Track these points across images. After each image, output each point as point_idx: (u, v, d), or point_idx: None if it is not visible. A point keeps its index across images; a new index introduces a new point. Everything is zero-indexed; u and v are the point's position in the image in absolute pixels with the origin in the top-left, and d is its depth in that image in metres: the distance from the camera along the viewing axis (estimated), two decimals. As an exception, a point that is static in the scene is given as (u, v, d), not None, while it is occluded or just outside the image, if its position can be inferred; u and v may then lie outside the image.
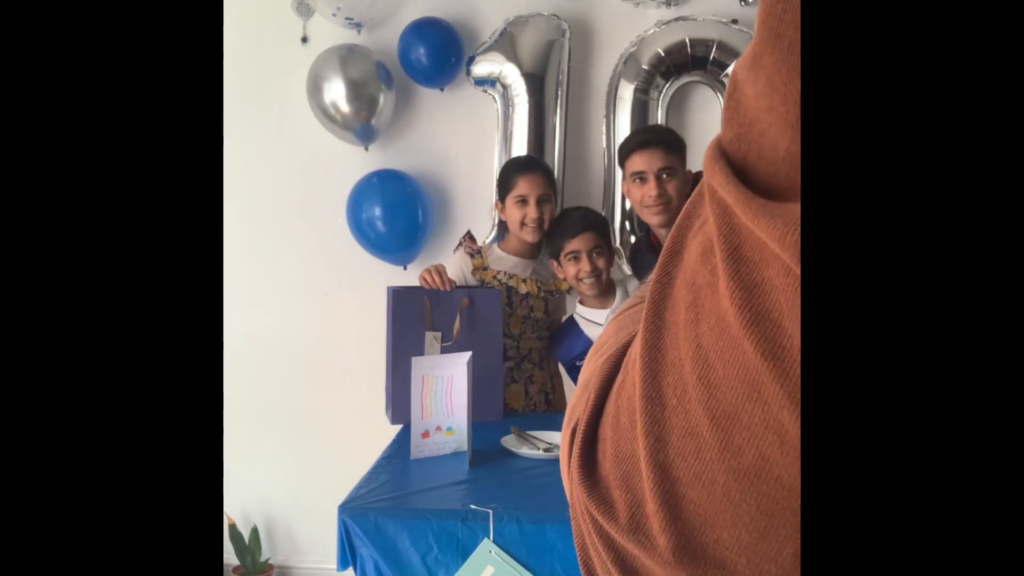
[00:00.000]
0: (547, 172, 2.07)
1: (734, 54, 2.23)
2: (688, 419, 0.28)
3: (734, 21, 2.25)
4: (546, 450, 1.59)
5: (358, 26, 2.39)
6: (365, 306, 2.47)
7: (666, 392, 0.29)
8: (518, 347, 2.04)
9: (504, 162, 2.18)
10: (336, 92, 2.29)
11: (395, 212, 2.36)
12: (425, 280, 1.89)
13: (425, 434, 1.59)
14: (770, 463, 0.26)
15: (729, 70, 2.25)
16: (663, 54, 2.27)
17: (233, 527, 2.51)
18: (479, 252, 2.07)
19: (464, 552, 1.25)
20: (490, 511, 1.26)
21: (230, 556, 2.52)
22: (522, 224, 1.99)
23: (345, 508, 1.30)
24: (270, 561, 2.59)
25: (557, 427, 1.75)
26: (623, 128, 2.31)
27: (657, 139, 1.90)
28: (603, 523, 0.32)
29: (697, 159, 2.29)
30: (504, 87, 2.34)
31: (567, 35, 2.33)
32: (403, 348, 1.81)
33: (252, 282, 2.55)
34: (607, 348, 0.38)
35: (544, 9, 2.35)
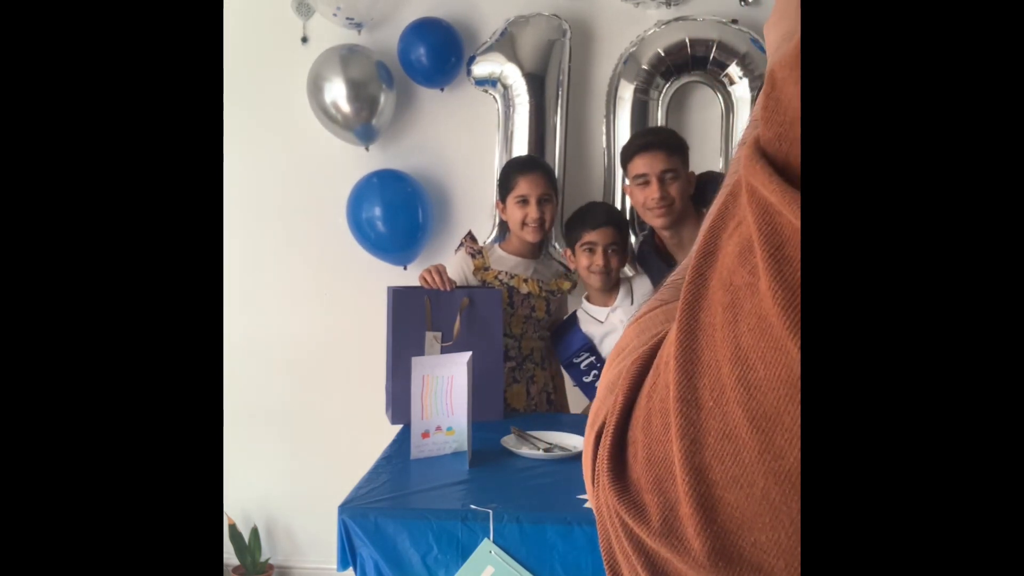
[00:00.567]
0: (548, 172, 2.07)
1: (734, 54, 2.24)
2: (726, 421, 0.27)
3: (734, 21, 2.25)
4: (546, 450, 1.59)
5: (358, 26, 2.39)
6: (365, 306, 2.46)
7: (702, 394, 0.28)
8: (519, 347, 2.04)
9: (505, 162, 2.18)
10: (337, 92, 2.29)
11: (395, 212, 2.36)
12: (425, 280, 1.89)
13: (425, 434, 1.59)
14: None
15: (729, 70, 2.26)
16: (663, 54, 2.27)
17: (233, 527, 2.51)
18: (480, 252, 2.07)
19: (464, 552, 1.25)
20: (490, 511, 1.26)
21: (230, 556, 2.52)
22: (523, 224, 1.99)
23: (345, 508, 1.30)
24: (270, 561, 2.59)
25: (558, 427, 1.75)
26: (623, 128, 2.31)
27: (659, 141, 1.90)
28: (634, 527, 0.31)
29: (697, 159, 2.29)
30: (504, 87, 2.34)
31: (567, 35, 2.33)
32: (403, 348, 1.81)
33: (252, 282, 2.55)
34: (631, 350, 0.37)
35: (544, 9, 2.35)
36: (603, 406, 0.36)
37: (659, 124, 2.31)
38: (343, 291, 2.55)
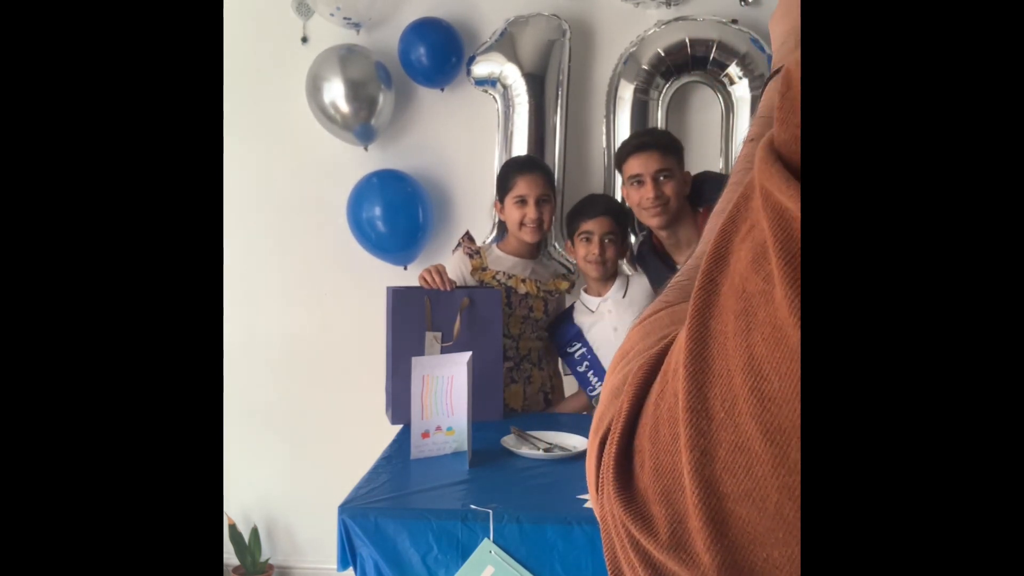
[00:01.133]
0: (546, 172, 2.07)
1: (734, 54, 2.24)
2: (738, 433, 0.26)
3: (734, 21, 2.25)
4: (546, 450, 1.59)
5: (358, 26, 2.39)
6: (365, 306, 2.46)
7: (713, 404, 0.27)
8: (517, 347, 2.04)
9: (504, 162, 2.18)
10: (336, 92, 2.29)
11: (395, 212, 2.36)
12: (425, 280, 1.89)
13: (425, 434, 1.59)
14: None
15: (729, 70, 2.25)
16: (663, 54, 2.27)
17: (233, 527, 2.51)
18: (478, 252, 2.07)
19: (464, 552, 1.25)
20: (490, 511, 1.26)
21: (230, 556, 2.52)
22: (521, 224, 1.99)
23: (345, 508, 1.30)
24: (270, 561, 2.59)
25: (557, 427, 1.75)
26: (623, 128, 2.31)
27: (653, 141, 1.92)
28: (640, 539, 0.30)
29: (697, 159, 2.30)
30: (504, 87, 2.34)
31: (567, 35, 2.33)
32: (403, 348, 1.81)
33: (252, 282, 2.55)
34: (635, 354, 0.36)
35: (544, 9, 2.35)
36: (608, 411, 0.35)
37: (659, 124, 2.32)
38: (343, 291, 2.55)
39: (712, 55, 2.24)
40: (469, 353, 1.59)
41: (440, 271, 1.90)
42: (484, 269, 2.04)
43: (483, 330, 1.89)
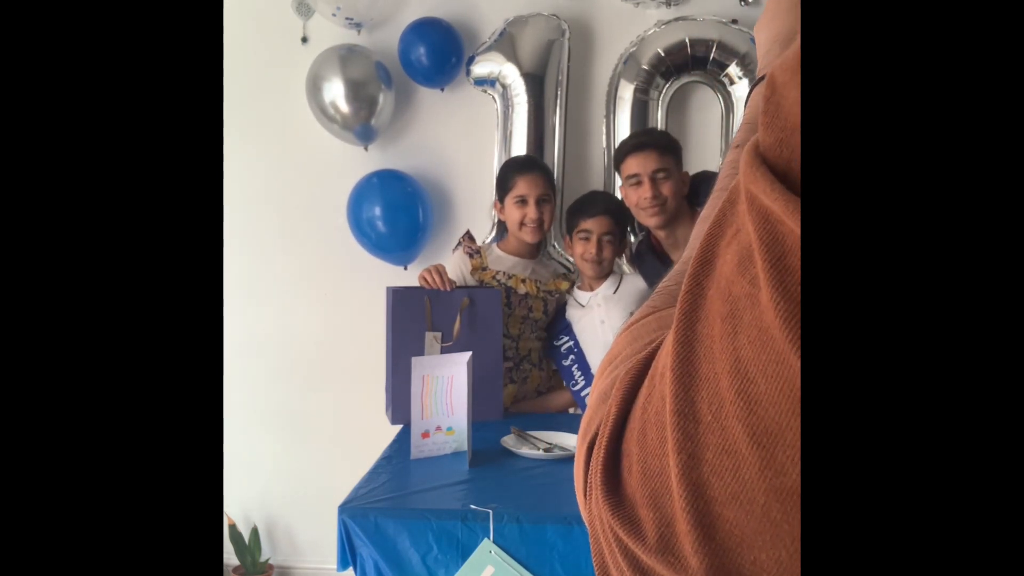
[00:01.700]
0: (546, 172, 2.07)
1: (734, 54, 2.24)
2: (725, 436, 0.27)
3: (734, 21, 2.25)
4: (546, 450, 1.59)
5: (358, 26, 2.39)
6: (365, 306, 2.47)
7: (700, 407, 0.28)
8: (517, 347, 2.04)
9: (503, 162, 2.18)
10: (336, 92, 2.29)
11: (395, 212, 2.36)
12: (425, 280, 1.89)
13: (425, 434, 1.59)
14: None
15: (729, 70, 2.26)
16: (663, 54, 2.27)
17: (233, 527, 2.51)
18: (478, 252, 2.07)
19: (464, 552, 1.25)
20: (490, 511, 1.26)
21: (230, 556, 2.52)
22: (521, 224, 1.99)
23: (345, 508, 1.30)
24: (270, 561, 2.59)
25: (557, 427, 1.75)
26: (623, 128, 2.31)
27: (651, 141, 1.92)
28: (629, 543, 0.30)
29: (697, 159, 2.30)
30: (504, 87, 2.34)
31: (567, 35, 2.33)
32: (403, 348, 1.81)
33: (252, 282, 2.55)
34: (622, 359, 0.36)
35: (544, 9, 2.35)
36: (596, 416, 0.35)
37: (659, 124, 2.32)
38: (343, 291, 2.55)
39: (712, 55, 2.24)
40: (469, 353, 1.59)
41: (440, 271, 1.90)
42: (484, 269, 2.04)
43: (483, 330, 1.89)
